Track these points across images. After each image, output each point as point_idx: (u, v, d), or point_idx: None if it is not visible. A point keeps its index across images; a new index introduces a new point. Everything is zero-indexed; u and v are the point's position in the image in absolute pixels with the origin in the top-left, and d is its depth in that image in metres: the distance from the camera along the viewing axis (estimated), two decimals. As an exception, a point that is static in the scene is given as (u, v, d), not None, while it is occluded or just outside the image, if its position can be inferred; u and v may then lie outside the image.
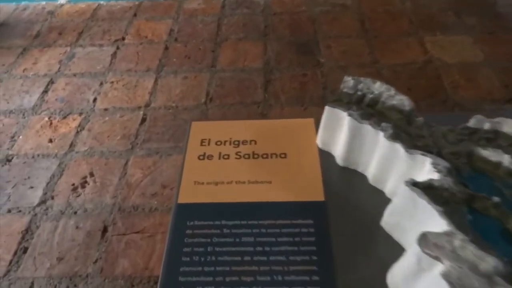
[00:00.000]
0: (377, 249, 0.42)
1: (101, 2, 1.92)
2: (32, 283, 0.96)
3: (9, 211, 1.10)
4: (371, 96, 0.49)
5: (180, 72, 1.52)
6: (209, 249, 0.42)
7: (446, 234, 0.34)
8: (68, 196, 1.13)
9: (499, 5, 1.77)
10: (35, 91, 1.46)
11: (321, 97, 1.39)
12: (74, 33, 1.73)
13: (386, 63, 1.51)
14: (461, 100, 1.35)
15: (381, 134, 0.44)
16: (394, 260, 0.39)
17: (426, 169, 0.41)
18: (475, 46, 1.56)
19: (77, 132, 1.31)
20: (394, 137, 0.43)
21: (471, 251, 0.32)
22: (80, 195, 1.13)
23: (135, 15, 1.83)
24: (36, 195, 1.14)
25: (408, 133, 0.45)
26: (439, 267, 0.33)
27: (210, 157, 0.52)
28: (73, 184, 1.16)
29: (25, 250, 1.02)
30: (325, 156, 0.52)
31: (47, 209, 1.10)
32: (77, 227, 1.06)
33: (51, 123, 1.34)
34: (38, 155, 1.25)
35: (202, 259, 0.41)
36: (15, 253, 1.02)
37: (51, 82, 1.50)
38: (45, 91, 1.46)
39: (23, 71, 1.55)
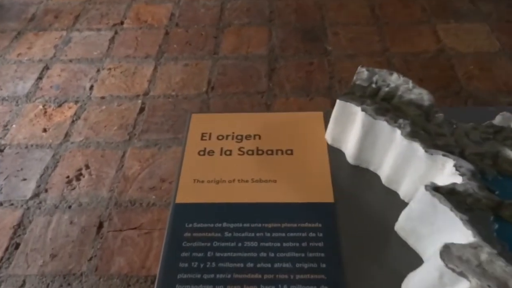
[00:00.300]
0: (390, 256, 0.40)
1: (99, -16, 1.84)
2: (24, 281, 0.92)
3: (1, 204, 1.06)
4: (386, 89, 0.45)
5: (181, 59, 1.46)
6: (209, 254, 0.40)
7: (472, 246, 0.31)
8: (63, 189, 1.08)
9: (517, -9, 1.69)
10: (29, 77, 1.40)
11: (328, 87, 1.32)
12: (71, 17, 1.66)
13: (396, 52, 1.44)
14: (475, 91, 1.30)
15: (398, 131, 0.41)
16: (409, 268, 0.36)
17: (446, 171, 0.38)
18: (491, 35, 1.49)
19: (73, 121, 1.26)
20: (412, 135, 0.40)
21: (500, 266, 0.29)
22: (75, 188, 1.09)
23: (134, -2, 1.76)
24: (29, 188, 1.09)
25: (427, 131, 0.41)
26: (463, 284, 0.30)
27: (211, 152, 0.49)
28: (68, 177, 1.11)
29: (17, 246, 0.98)
30: (335, 154, 0.48)
31: (40, 202, 1.06)
32: (71, 222, 1.02)
33: (45, 112, 1.29)
34: (32, 145, 1.19)
35: (202, 265, 0.39)
36: (6, 249, 0.97)
37: (46, 68, 1.44)
38: (40, 78, 1.40)
39: (17, 56, 1.49)
